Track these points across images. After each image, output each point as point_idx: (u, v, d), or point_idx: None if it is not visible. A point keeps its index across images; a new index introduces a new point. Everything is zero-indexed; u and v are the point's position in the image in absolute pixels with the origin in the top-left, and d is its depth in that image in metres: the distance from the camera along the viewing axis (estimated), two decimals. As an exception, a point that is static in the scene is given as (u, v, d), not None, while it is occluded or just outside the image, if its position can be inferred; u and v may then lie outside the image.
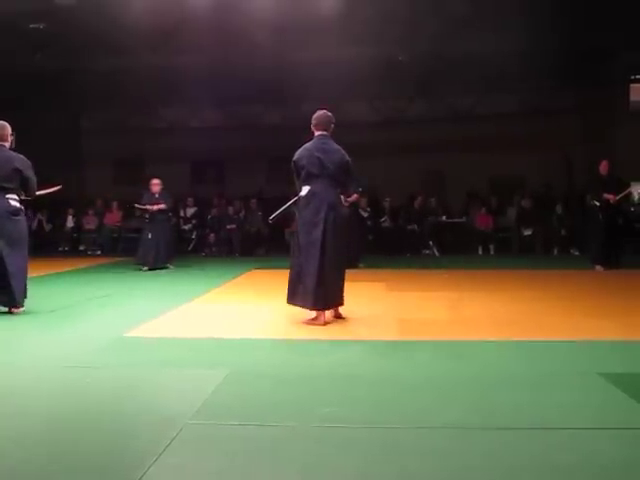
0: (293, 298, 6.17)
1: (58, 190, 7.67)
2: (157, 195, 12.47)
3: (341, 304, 6.24)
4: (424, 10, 12.49)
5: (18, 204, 6.76)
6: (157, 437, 3.06)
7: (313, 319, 6.10)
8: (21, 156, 6.82)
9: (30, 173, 6.79)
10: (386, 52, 14.34)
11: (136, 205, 12.70)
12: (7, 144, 6.82)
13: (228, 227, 16.36)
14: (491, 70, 15.14)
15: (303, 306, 6.11)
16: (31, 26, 12.89)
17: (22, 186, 6.78)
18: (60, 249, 17.23)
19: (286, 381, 4.08)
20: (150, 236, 12.16)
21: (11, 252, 6.57)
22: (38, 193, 7.09)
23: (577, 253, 14.56)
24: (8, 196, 6.65)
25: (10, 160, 6.70)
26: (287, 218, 15.77)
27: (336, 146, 6.19)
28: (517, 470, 2.73)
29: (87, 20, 12.64)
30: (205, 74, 14.77)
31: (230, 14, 12.35)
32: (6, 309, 6.65)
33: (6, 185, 6.64)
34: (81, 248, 17.14)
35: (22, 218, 6.86)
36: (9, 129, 6.86)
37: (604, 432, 3.16)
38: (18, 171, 6.68)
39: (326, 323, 6.05)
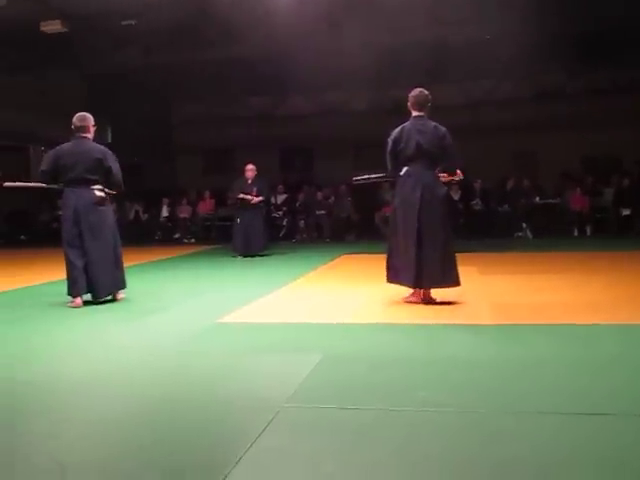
0: (393, 276, 6.26)
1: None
2: (250, 181, 12.25)
3: (444, 285, 6.13)
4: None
5: (103, 194, 6.82)
6: (254, 420, 3.11)
7: (410, 296, 6.23)
8: (103, 147, 6.88)
9: (112, 162, 6.79)
10: (474, 32, 14.06)
11: (239, 196, 12.16)
12: (90, 135, 6.88)
13: (317, 213, 16.43)
14: (583, 47, 14.63)
15: (403, 284, 6.18)
16: (123, 23, 13.27)
17: (106, 177, 6.81)
18: (156, 238, 17.75)
19: (381, 365, 4.07)
20: (239, 221, 12.16)
21: (93, 242, 6.65)
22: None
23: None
24: (92, 187, 6.73)
25: (92, 151, 6.76)
26: (377, 202, 15.81)
27: (432, 125, 6.13)
28: (623, 456, 2.63)
29: (175, 15, 12.93)
30: (292, 61, 14.86)
31: (315, 0, 12.37)
32: (110, 297, 6.87)
33: (90, 176, 6.70)
34: (176, 236, 17.59)
35: (107, 208, 6.90)
36: (91, 120, 6.89)
37: None
38: (100, 161, 6.72)
39: (424, 302, 6.10)
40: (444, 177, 6.41)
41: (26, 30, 12.98)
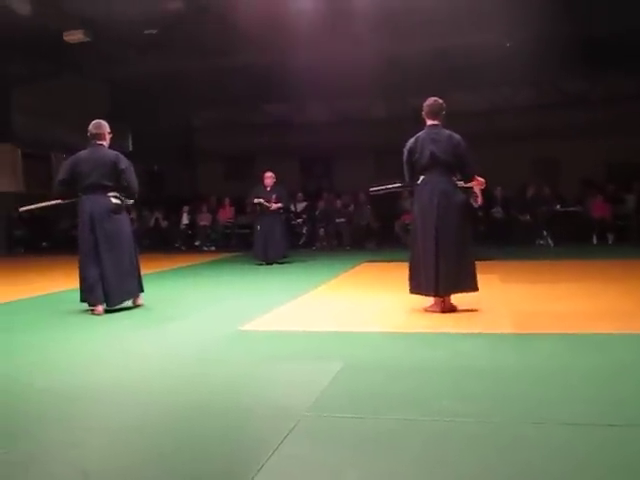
0: (415, 287, 6.25)
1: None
2: (269, 188, 12.20)
3: (461, 290, 6.14)
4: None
5: (120, 201, 6.82)
6: (275, 429, 3.11)
7: (431, 306, 6.19)
8: (116, 152, 6.85)
9: (125, 165, 6.75)
10: (493, 39, 14.02)
11: (258, 201, 12.06)
12: (105, 143, 6.89)
13: (337, 221, 16.43)
14: (603, 53, 14.54)
15: (424, 294, 6.17)
16: (145, 32, 13.38)
17: (121, 182, 6.79)
18: (176, 245, 17.81)
19: (401, 374, 4.06)
20: (259, 228, 12.15)
21: (108, 252, 6.66)
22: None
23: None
24: (109, 194, 6.74)
25: (106, 156, 6.75)
26: (397, 210, 15.78)
27: (447, 133, 6.13)
28: (636, 466, 2.60)
29: (195, 23, 13.03)
30: (311, 70, 14.90)
31: (333, 8, 12.39)
32: (129, 304, 6.91)
33: (106, 182, 6.71)
34: (196, 244, 17.65)
35: (123, 216, 6.91)
36: (106, 127, 6.91)
37: None
38: (114, 164, 6.70)
39: (445, 311, 6.08)
40: (472, 185, 6.40)
41: (49, 39, 13.12)
